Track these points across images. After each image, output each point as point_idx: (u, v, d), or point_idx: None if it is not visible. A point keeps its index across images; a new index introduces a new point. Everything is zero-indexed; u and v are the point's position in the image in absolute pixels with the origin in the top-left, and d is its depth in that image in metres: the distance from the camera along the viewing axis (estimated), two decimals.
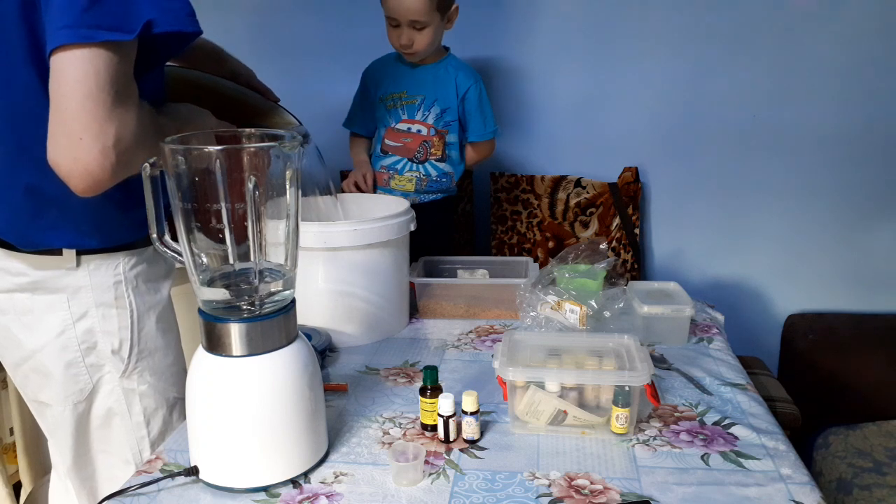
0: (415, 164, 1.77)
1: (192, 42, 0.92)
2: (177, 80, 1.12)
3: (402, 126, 1.77)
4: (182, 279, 1.49)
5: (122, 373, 1.06)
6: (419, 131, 1.77)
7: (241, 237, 0.86)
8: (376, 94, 1.79)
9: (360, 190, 1.77)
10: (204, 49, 1.22)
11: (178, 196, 0.84)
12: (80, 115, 0.80)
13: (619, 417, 0.97)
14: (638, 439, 0.98)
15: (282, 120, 1.26)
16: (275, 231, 0.89)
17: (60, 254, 0.99)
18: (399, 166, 1.78)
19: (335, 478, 0.91)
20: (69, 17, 0.78)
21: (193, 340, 0.92)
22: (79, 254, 0.99)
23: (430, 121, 1.76)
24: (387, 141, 1.79)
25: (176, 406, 1.13)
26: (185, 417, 1.08)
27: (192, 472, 0.89)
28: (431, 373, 1.01)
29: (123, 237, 1.03)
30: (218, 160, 0.81)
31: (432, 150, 1.76)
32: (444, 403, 0.97)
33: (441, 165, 1.79)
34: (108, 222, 1.00)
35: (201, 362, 0.87)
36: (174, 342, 1.14)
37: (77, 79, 0.79)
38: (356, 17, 2.06)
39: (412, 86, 1.75)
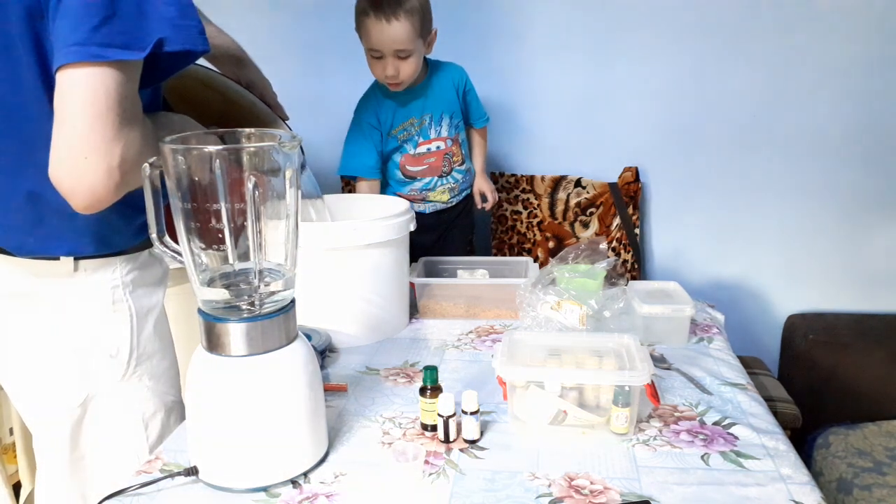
0: (444, 178, 1.80)
1: (196, 59, 0.91)
2: (189, 77, 1.11)
3: (422, 149, 1.77)
4: (176, 280, 1.50)
5: (122, 377, 1.05)
6: (439, 147, 1.78)
7: (240, 237, 0.86)
8: (382, 132, 1.75)
9: None
10: (227, 51, 1.21)
11: (177, 196, 0.84)
12: (87, 135, 0.79)
13: (619, 417, 0.97)
14: (638, 439, 0.98)
15: None
16: (275, 231, 0.88)
17: (57, 259, 0.98)
18: (431, 185, 1.80)
19: (335, 478, 0.91)
20: (80, 35, 0.77)
21: (188, 341, 0.92)
22: (76, 259, 0.99)
23: (445, 133, 1.77)
24: (408, 167, 1.79)
25: (174, 409, 1.13)
26: (182, 420, 1.08)
27: (192, 472, 0.89)
28: (431, 373, 1.01)
29: (122, 244, 1.03)
30: (218, 160, 0.81)
31: (454, 158, 1.79)
32: (444, 403, 0.97)
33: (462, 168, 1.83)
34: (109, 231, 1.00)
35: (201, 362, 0.87)
36: (169, 345, 1.14)
37: (86, 98, 0.78)
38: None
39: (416, 110, 1.75)
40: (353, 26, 1.64)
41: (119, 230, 1.01)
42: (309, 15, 2.13)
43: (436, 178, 1.79)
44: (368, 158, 1.75)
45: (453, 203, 1.86)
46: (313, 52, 2.16)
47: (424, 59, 1.76)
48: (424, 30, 1.63)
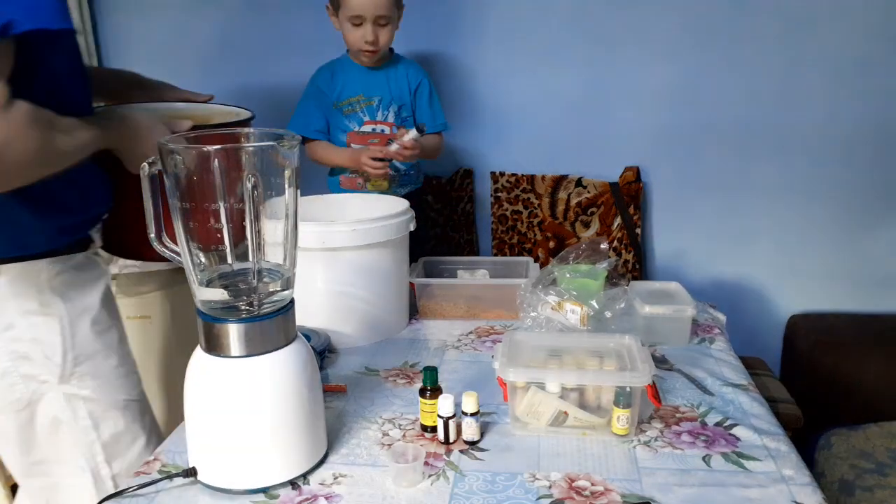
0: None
1: (66, 39, 0.89)
2: None
3: (366, 128, 1.79)
4: (176, 281, 1.49)
5: (60, 378, 1.05)
6: (382, 131, 1.80)
7: (239, 237, 0.86)
8: (330, 100, 1.80)
9: (381, 160, 1.71)
10: (124, 80, 1.23)
11: (176, 196, 0.84)
12: None
13: (620, 418, 0.97)
14: (639, 440, 0.98)
15: (226, 115, 1.26)
16: (273, 231, 0.88)
17: None
18: None
19: (334, 479, 0.90)
20: None
21: (188, 342, 0.92)
22: None
23: (391, 119, 1.79)
24: (353, 145, 1.80)
25: (128, 409, 1.12)
26: (138, 420, 1.09)
27: (191, 473, 0.88)
28: (431, 374, 1.00)
29: (42, 245, 1.01)
30: (216, 159, 0.81)
31: None
32: (444, 404, 0.97)
33: (405, 161, 1.79)
34: (23, 232, 0.98)
35: (200, 363, 0.87)
36: (116, 344, 1.13)
37: None
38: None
39: (367, 88, 1.78)
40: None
41: (36, 231, 1.00)
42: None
43: None
44: (314, 121, 1.81)
45: (394, 194, 1.82)
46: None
47: (391, 50, 1.81)
48: (400, 1, 1.71)
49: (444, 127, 1.85)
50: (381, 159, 1.70)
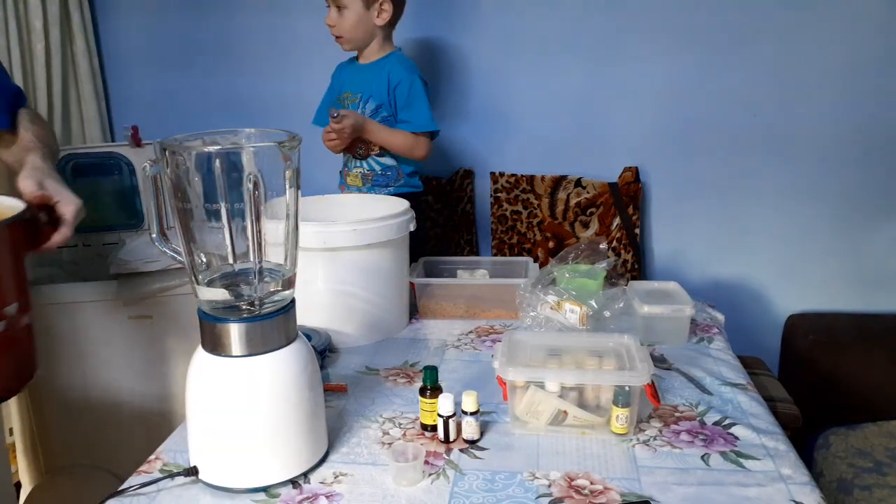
0: (358, 161, 1.79)
1: None
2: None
3: None
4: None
5: None
6: None
7: (240, 237, 0.86)
8: (334, 96, 1.84)
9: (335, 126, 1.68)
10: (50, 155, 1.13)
11: (177, 196, 0.84)
12: None
13: (620, 417, 0.97)
14: (638, 439, 0.98)
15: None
16: (274, 231, 0.88)
17: None
18: (349, 164, 1.81)
19: (335, 478, 0.91)
20: None
21: (189, 343, 0.92)
22: None
23: (368, 116, 1.75)
24: None
25: None
26: None
27: (192, 472, 0.89)
28: (431, 373, 1.01)
29: None
30: (217, 160, 0.81)
31: (371, 146, 1.76)
32: (444, 403, 0.97)
33: (382, 160, 1.78)
34: None
35: (201, 362, 0.88)
36: None
37: None
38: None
39: (355, 85, 1.79)
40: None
41: None
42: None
43: (350, 156, 1.80)
44: (322, 110, 1.85)
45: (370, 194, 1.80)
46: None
47: (393, 48, 1.78)
48: None
49: (421, 128, 1.75)
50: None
